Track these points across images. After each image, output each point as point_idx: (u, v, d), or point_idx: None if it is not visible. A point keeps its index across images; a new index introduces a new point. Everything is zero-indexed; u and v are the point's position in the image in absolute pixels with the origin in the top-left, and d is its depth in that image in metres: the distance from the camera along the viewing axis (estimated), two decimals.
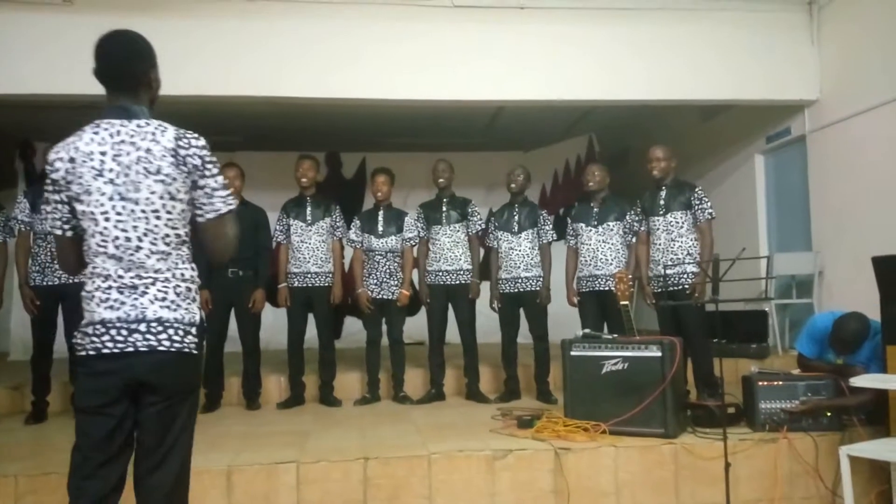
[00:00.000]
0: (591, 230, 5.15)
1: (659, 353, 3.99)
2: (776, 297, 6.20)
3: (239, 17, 5.30)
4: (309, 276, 5.25)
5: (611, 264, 5.06)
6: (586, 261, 5.16)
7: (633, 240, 5.10)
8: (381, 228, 5.36)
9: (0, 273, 4.85)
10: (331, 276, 5.31)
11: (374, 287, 5.36)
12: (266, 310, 5.31)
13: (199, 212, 2.12)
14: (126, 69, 2.10)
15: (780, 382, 4.11)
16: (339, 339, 7.32)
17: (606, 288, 5.03)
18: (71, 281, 4.72)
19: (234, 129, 8.10)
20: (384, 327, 5.46)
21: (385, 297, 5.35)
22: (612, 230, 5.11)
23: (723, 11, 5.75)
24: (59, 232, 2.11)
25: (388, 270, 5.36)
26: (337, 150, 8.76)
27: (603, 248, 5.10)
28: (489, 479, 3.69)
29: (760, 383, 4.09)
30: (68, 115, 6.81)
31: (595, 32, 5.67)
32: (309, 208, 5.30)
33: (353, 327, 7.78)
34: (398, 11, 5.47)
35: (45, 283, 4.76)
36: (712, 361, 4.69)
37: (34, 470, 3.51)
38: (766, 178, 6.90)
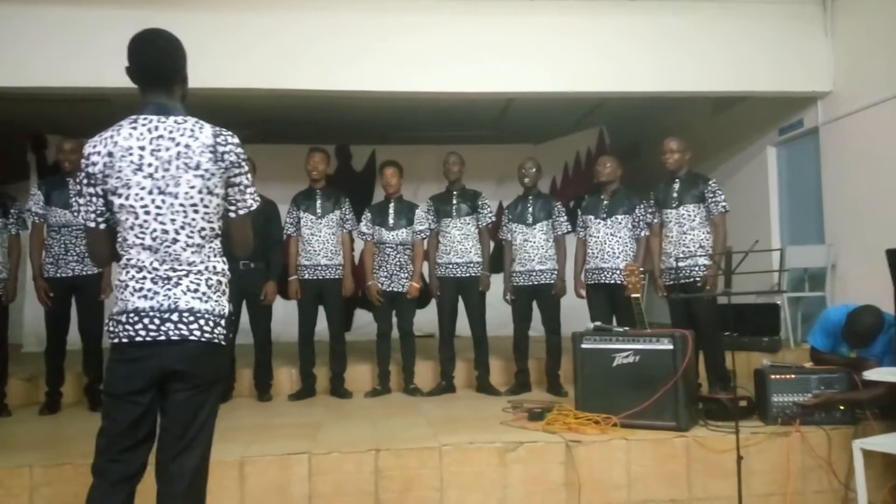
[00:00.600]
0: (599, 223, 5.13)
1: (671, 346, 3.98)
2: (788, 289, 6.16)
3: (248, 10, 5.30)
4: (319, 268, 5.26)
5: (618, 257, 5.04)
6: (593, 253, 5.14)
7: (643, 233, 5.07)
8: (391, 221, 5.36)
9: (14, 265, 4.89)
10: (341, 268, 5.32)
11: (384, 280, 5.36)
12: (277, 302, 5.33)
13: (231, 207, 2.21)
14: (165, 66, 2.16)
15: (793, 376, 4.09)
16: (350, 331, 7.33)
17: (614, 281, 5.01)
18: (84, 273, 4.77)
19: (244, 122, 8.09)
20: (394, 320, 5.47)
21: (395, 289, 5.35)
22: (620, 223, 5.08)
23: (736, 3, 5.70)
24: (92, 224, 2.15)
25: (398, 263, 5.36)
26: (347, 143, 8.76)
27: (611, 241, 5.07)
28: (500, 471, 3.70)
29: (773, 376, 4.08)
30: (79, 108, 6.93)
31: (606, 24, 5.63)
32: (319, 201, 5.31)
33: (363, 320, 7.80)
34: (408, 4, 5.46)
35: (58, 275, 4.79)
36: (724, 355, 4.67)
37: (49, 461, 3.53)
38: (778, 170, 6.85)
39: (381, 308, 5.41)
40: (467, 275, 5.32)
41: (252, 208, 2.23)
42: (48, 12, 5.08)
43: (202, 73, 5.06)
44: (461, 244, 5.33)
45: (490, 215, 5.43)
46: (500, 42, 5.55)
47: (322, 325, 5.38)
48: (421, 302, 5.70)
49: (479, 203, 5.40)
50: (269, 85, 5.41)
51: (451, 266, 5.34)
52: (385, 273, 5.37)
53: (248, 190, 2.22)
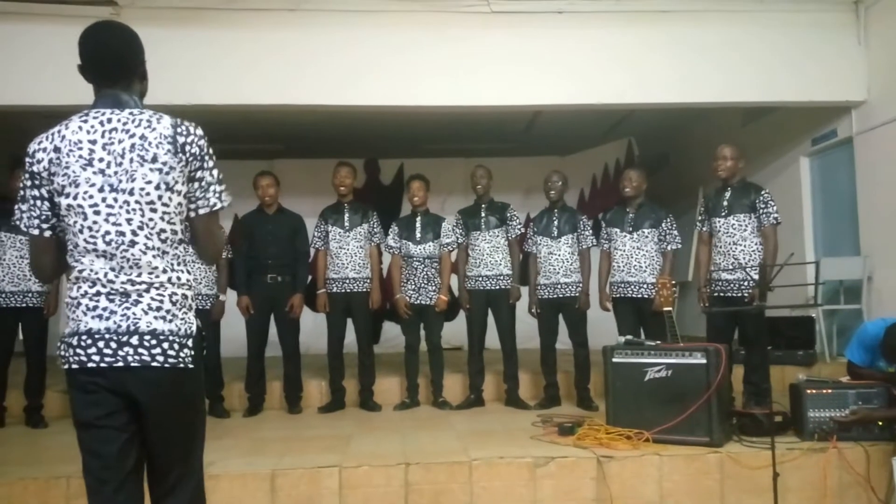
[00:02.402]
0: (625, 236, 5.09)
1: (704, 361, 3.93)
2: (823, 302, 6.05)
3: (278, 28, 5.38)
4: (347, 281, 5.30)
5: (645, 271, 5.00)
6: (619, 266, 5.10)
7: (670, 248, 5.02)
8: (419, 234, 5.38)
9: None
10: (369, 281, 5.35)
11: (412, 292, 5.38)
12: (306, 315, 5.38)
13: (192, 206, 1.93)
14: (122, 59, 1.95)
15: (830, 391, 4.01)
16: (378, 343, 7.36)
17: (640, 295, 4.97)
18: None
19: (275, 136, 8.22)
20: (422, 332, 5.48)
21: (423, 302, 5.36)
22: (646, 237, 5.04)
23: (767, 12, 5.64)
24: (35, 232, 1.89)
25: (426, 276, 5.37)
26: (375, 157, 8.83)
27: (637, 254, 5.03)
28: (531, 486, 3.67)
29: (809, 391, 4.00)
30: None
31: (634, 36, 5.61)
32: (347, 214, 5.35)
33: (391, 332, 7.82)
34: (436, 18, 5.49)
35: None
36: (768, 371, 4.59)
37: None
38: (812, 181, 6.74)
39: (409, 321, 5.42)
40: (497, 287, 5.31)
41: (216, 208, 1.94)
42: (73, 31, 5.16)
43: (238, 90, 5.25)
44: (491, 257, 5.33)
45: (519, 227, 5.43)
46: (527, 55, 5.56)
47: (350, 337, 5.41)
48: (448, 315, 5.70)
49: (508, 215, 5.40)
50: (301, 101, 5.47)
51: (480, 279, 5.34)
52: (413, 286, 5.38)
53: (213, 188, 1.93)
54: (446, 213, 5.84)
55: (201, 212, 1.94)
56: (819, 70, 5.71)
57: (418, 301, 5.36)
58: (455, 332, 6.58)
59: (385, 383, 5.66)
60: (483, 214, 5.40)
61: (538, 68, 5.56)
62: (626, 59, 5.61)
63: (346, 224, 5.33)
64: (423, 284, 5.37)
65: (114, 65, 1.94)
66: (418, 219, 5.43)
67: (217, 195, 1.95)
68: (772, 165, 7.17)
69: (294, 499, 3.55)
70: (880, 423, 3.89)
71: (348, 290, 5.29)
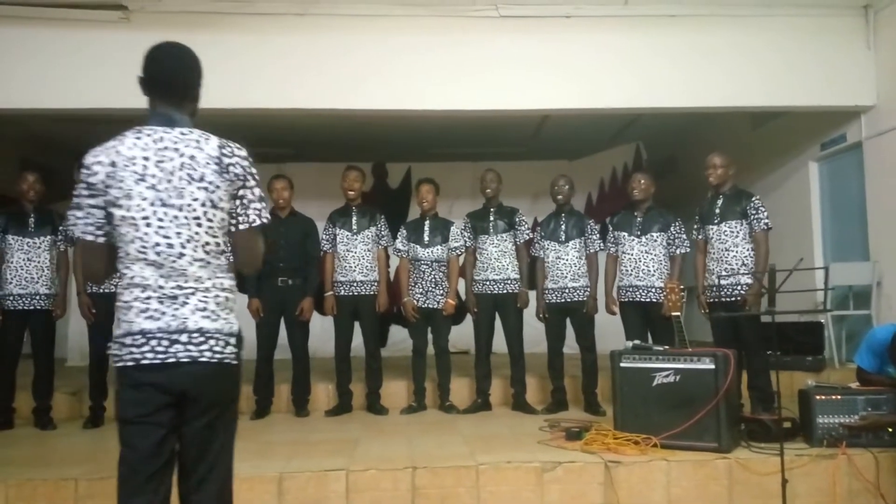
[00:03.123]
0: (633, 240, 5.09)
1: (712, 366, 3.91)
2: (832, 307, 6.02)
3: (288, 33, 5.40)
4: (355, 284, 5.30)
5: (653, 275, 4.99)
6: (627, 270, 5.10)
7: (679, 251, 5.02)
8: (426, 238, 5.38)
9: (63, 281, 5.04)
10: (376, 284, 5.36)
11: (419, 296, 5.38)
12: (314, 318, 5.39)
13: (232, 221, 2.09)
14: (181, 80, 2.11)
15: (839, 396, 3.99)
16: (385, 347, 7.36)
17: (648, 299, 4.96)
18: None
19: (284, 141, 8.25)
20: (430, 336, 5.47)
21: (431, 306, 5.36)
22: (655, 241, 5.03)
23: (776, 17, 5.63)
24: (90, 238, 2.03)
25: (433, 280, 5.37)
26: (383, 161, 8.84)
27: (645, 258, 5.03)
28: (538, 491, 3.66)
29: (818, 397, 3.98)
30: (126, 128, 7.09)
31: (642, 40, 5.61)
32: (355, 218, 5.36)
33: (398, 336, 7.82)
34: (444, 22, 5.51)
35: (101, 291, 4.90)
36: (769, 375, 4.58)
37: (93, 474, 3.60)
38: (820, 185, 6.72)
39: (417, 325, 5.42)
40: (504, 291, 5.31)
41: (255, 224, 2.09)
42: (99, 36, 5.23)
43: (247, 95, 5.26)
44: (498, 261, 5.32)
45: (527, 232, 5.43)
46: (535, 59, 5.56)
47: (358, 340, 5.41)
48: (456, 318, 5.70)
49: (517, 220, 5.40)
50: (305, 105, 5.49)
51: (488, 283, 5.33)
52: (420, 289, 5.38)
53: (253, 205, 2.09)
54: (454, 217, 5.84)
55: (241, 227, 2.09)
56: (828, 74, 5.70)
57: (426, 305, 5.36)
58: (462, 336, 6.58)
59: (392, 387, 5.66)
60: (492, 218, 5.40)
61: (546, 73, 5.57)
62: (634, 64, 5.60)
63: (354, 227, 5.34)
64: (430, 288, 5.37)
65: (176, 87, 2.10)
66: (426, 222, 5.44)
67: (257, 212, 2.10)
68: (780, 170, 7.15)
69: (301, 502, 3.55)
70: (890, 430, 3.86)
71: (356, 294, 5.30)
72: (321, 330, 6.33)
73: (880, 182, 5.74)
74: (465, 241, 5.46)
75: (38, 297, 4.89)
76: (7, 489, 3.51)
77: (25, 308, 4.87)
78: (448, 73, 5.52)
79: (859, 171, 6.01)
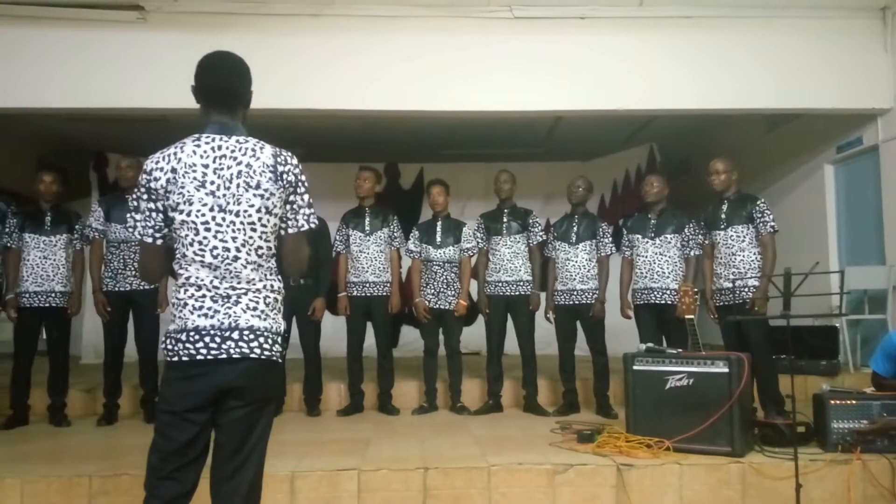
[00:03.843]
0: (647, 242, 5.07)
1: (726, 369, 3.90)
2: (848, 311, 5.97)
3: (302, 33, 5.41)
4: (367, 285, 5.31)
5: (667, 277, 4.97)
6: (642, 273, 5.08)
7: (693, 253, 5.00)
8: (439, 239, 5.38)
9: (78, 279, 5.08)
10: (389, 285, 5.37)
11: (431, 297, 5.38)
12: (326, 318, 5.40)
13: (283, 225, 2.18)
14: (233, 89, 2.22)
15: (854, 401, 3.96)
16: (396, 347, 7.37)
17: (663, 301, 4.94)
18: (141, 287, 4.91)
19: (296, 141, 8.26)
20: (441, 337, 5.47)
21: (442, 306, 5.37)
22: (669, 243, 5.02)
23: (792, 18, 5.58)
24: (149, 240, 2.13)
25: (445, 280, 5.38)
26: (395, 161, 8.85)
27: (660, 260, 5.01)
28: (549, 493, 3.66)
29: (832, 402, 3.95)
30: (140, 128, 7.16)
31: (657, 42, 5.58)
32: (367, 219, 5.37)
33: (409, 336, 7.83)
34: (458, 23, 5.50)
35: (116, 289, 4.94)
36: (777, 378, 4.56)
37: (107, 471, 3.63)
38: (836, 189, 6.65)
39: (428, 325, 5.42)
40: (517, 293, 5.30)
41: (303, 229, 2.19)
42: (116, 36, 5.26)
43: (261, 95, 5.26)
44: (511, 262, 5.32)
45: (541, 233, 5.42)
46: (549, 60, 5.54)
47: (370, 341, 5.42)
48: (467, 319, 5.70)
49: (530, 221, 5.40)
50: (318, 105, 5.49)
51: (500, 284, 5.33)
52: (432, 290, 5.39)
53: (303, 210, 2.19)
54: (466, 218, 5.84)
55: (290, 231, 2.18)
56: (844, 77, 5.65)
57: (437, 305, 5.37)
58: (474, 336, 6.58)
59: (403, 387, 5.67)
60: (505, 220, 5.40)
61: (560, 74, 5.55)
62: (648, 66, 5.58)
63: (367, 228, 5.35)
64: (442, 289, 5.37)
65: (229, 96, 2.21)
66: (439, 223, 5.44)
67: (305, 218, 2.20)
68: (796, 172, 7.09)
69: (313, 501, 3.56)
70: None
71: (368, 294, 5.31)
72: (333, 330, 6.36)
73: None
74: (478, 242, 5.46)
75: (53, 295, 4.93)
76: (22, 485, 3.54)
77: (41, 305, 4.91)
78: (462, 73, 5.51)
79: (875, 175, 5.95)
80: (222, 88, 2.20)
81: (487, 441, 4.34)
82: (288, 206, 2.17)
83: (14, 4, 5.15)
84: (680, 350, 4.23)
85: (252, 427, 2.12)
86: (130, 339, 5.08)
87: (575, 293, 5.24)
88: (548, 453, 3.97)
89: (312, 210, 2.22)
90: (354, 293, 5.33)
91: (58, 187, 5.05)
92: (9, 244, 4.96)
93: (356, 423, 5.05)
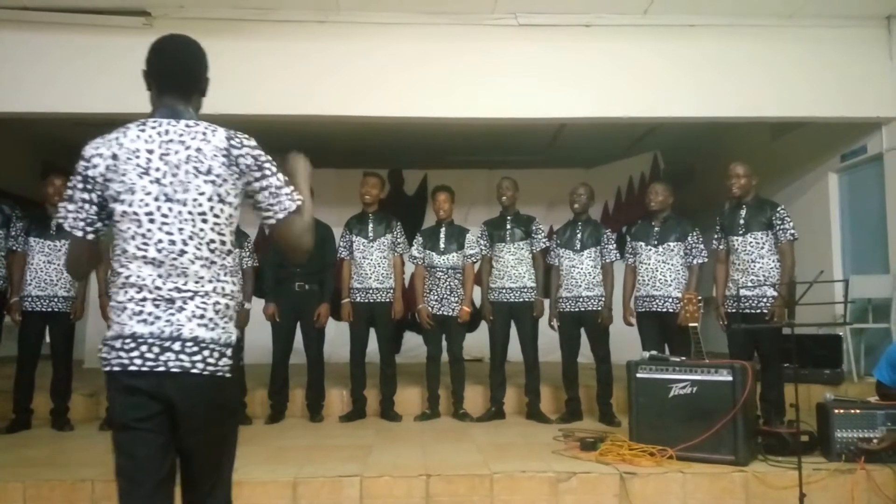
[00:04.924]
0: (650, 249, 5.07)
1: (730, 378, 3.89)
2: (851, 320, 5.96)
3: (308, 40, 5.44)
4: (371, 291, 5.32)
5: (670, 285, 4.96)
6: (644, 280, 5.08)
7: (696, 261, 4.99)
8: (442, 245, 5.39)
9: (82, 283, 5.08)
10: (392, 292, 5.37)
11: (434, 303, 5.38)
12: (329, 324, 5.41)
13: (267, 214, 1.96)
14: (188, 71, 2.03)
15: (858, 411, 3.94)
16: (399, 353, 7.37)
17: (665, 309, 4.93)
18: None
19: (302, 147, 8.25)
20: (444, 343, 5.47)
21: (446, 313, 5.36)
22: (672, 251, 5.01)
23: (796, 27, 5.59)
24: (79, 233, 1.93)
25: (448, 287, 5.38)
26: (399, 167, 8.86)
27: (662, 268, 5.00)
28: (552, 501, 3.65)
29: (836, 411, 3.94)
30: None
31: (662, 49, 5.59)
32: (371, 225, 5.38)
33: (412, 342, 7.82)
34: (463, 30, 5.52)
35: None
36: (783, 388, 4.54)
37: (109, 476, 3.55)
38: (840, 197, 6.65)
39: (431, 332, 5.42)
40: (520, 300, 5.30)
41: (291, 209, 1.95)
42: (115, 41, 5.28)
43: (265, 101, 5.30)
44: (515, 269, 5.32)
45: (544, 240, 5.42)
46: (553, 68, 5.56)
47: (372, 346, 5.43)
48: (470, 326, 5.70)
49: (533, 228, 5.40)
50: (323, 111, 5.51)
51: (504, 291, 5.33)
52: (435, 297, 5.39)
53: (283, 191, 1.96)
54: (469, 225, 5.84)
55: (280, 216, 1.96)
56: (849, 85, 5.65)
57: (441, 312, 5.37)
58: (477, 343, 6.57)
59: (406, 394, 5.66)
60: (508, 226, 5.40)
61: (564, 81, 5.56)
62: (652, 73, 5.59)
63: (371, 234, 5.35)
64: (445, 295, 5.37)
65: (181, 78, 2.01)
66: (442, 229, 5.45)
67: (289, 197, 1.97)
68: (800, 181, 7.09)
69: None
70: None
71: (371, 300, 5.31)
72: (336, 335, 6.35)
73: None
74: (482, 249, 5.46)
75: (56, 300, 4.94)
76: (25, 489, 3.55)
77: (44, 310, 4.92)
78: (466, 80, 5.52)
79: (880, 183, 5.95)
80: (177, 72, 2.00)
81: (490, 448, 4.33)
82: (264, 192, 1.94)
83: (21, 10, 5.18)
84: (683, 358, 4.22)
85: (215, 451, 1.94)
86: None
87: (581, 300, 5.24)
88: (550, 461, 3.96)
89: (292, 187, 2.00)
90: (358, 299, 5.33)
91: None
92: (14, 248, 4.98)
93: (358, 430, 5.05)
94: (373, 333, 5.44)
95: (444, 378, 5.47)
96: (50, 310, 4.93)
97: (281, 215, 1.95)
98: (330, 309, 5.34)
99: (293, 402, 5.48)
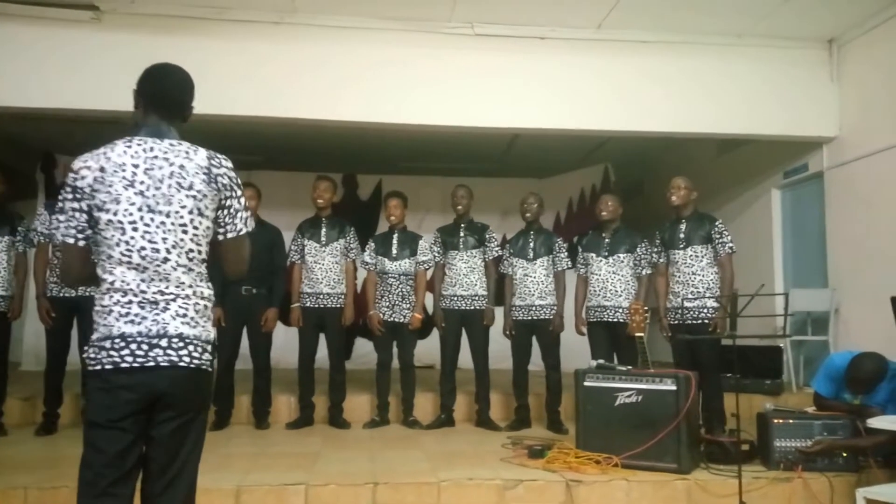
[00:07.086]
0: (601, 260, 5.14)
1: (674, 387, 3.96)
2: (791, 333, 6.14)
3: (263, 41, 5.36)
4: (321, 296, 5.26)
5: (620, 296, 5.04)
6: (595, 291, 5.15)
7: (645, 272, 5.08)
8: (394, 251, 5.37)
9: (20, 282, 4.92)
10: (343, 297, 5.32)
11: (386, 310, 5.36)
12: (277, 329, 5.33)
13: (220, 230, 2.18)
14: (180, 101, 2.22)
15: (796, 420, 4.07)
16: (349, 360, 7.31)
17: (615, 319, 5.01)
18: (87, 294, 4.76)
19: (254, 148, 8.17)
20: (395, 350, 5.45)
21: (397, 319, 5.35)
22: (622, 262, 5.09)
23: (743, 46, 5.76)
24: (71, 241, 2.06)
25: (400, 293, 5.36)
26: (354, 172, 8.80)
27: (613, 279, 5.08)
28: None
29: (776, 421, 4.05)
30: (92, 129, 6.93)
31: (615, 64, 5.69)
32: (324, 229, 5.33)
33: (363, 349, 7.76)
34: (420, 37, 5.52)
35: (61, 295, 4.79)
36: (723, 397, 4.65)
37: (44, 483, 3.50)
38: (782, 213, 6.86)
39: (382, 338, 5.39)
40: (472, 308, 5.32)
41: (241, 233, 2.20)
42: (70, 36, 5.13)
43: (216, 100, 5.18)
44: (467, 277, 5.33)
45: (496, 249, 5.45)
46: (509, 78, 5.60)
47: (322, 352, 5.37)
48: (422, 333, 5.69)
49: (487, 236, 5.43)
50: (277, 113, 5.43)
51: (455, 298, 5.33)
52: (387, 303, 5.36)
53: (240, 214, 2.19)
54: (423, 232, 5.84)
55: (230, 236, 2.19)
56: (792, 105, 5.84)
57: (392, 318, 5.35)
58: (428, 350, 6.56)
59: (355, 400, 5.61)
60: (462, 234, 5.41)
61: (519, 92, 5.61)
62: (603, 88, 5.68)
63: (323, 239, 5.31)
64: (397, 302, 5.35)
65: (174, 105, 2.21)
66: (395, 235, 5.43)
67: (243, 221, 2.21)
68: (744, 196, 7.29)
69: None
70: (844, 454, 3.95)
71: (322, 306, 5.26)
72: (284, 340, 6.27)
73: (840, 211, 5.89)
74: (435, 256, 5.46)
75: None
76: None
77: None
78: (422, 87, 5.53)
79: (820, 200, 6.16)
80: (170, 96, 2.20)
81: (438, 456, 4.32)
82: (225, 211, 2.16)
83: None
84: (630, 367, 4.28)
85: (183, 440, 2.06)
86: (73, 346, 4.92)
87: (533, 308, 5.28)
88: (498, 468, 3.98)
89: (249, 213, 2.24)
90: (308, 304, 5.27)
91: (2, 186, 4.89)
92: None
93: (305, 437, 4.98)
94: (322, 339, 5.38)
95: (395, 385, 5.45)
96: None
97: (231, 235, 2.19)
98: (279, 313, 5.27)
99: (238, 409, 5.37)
